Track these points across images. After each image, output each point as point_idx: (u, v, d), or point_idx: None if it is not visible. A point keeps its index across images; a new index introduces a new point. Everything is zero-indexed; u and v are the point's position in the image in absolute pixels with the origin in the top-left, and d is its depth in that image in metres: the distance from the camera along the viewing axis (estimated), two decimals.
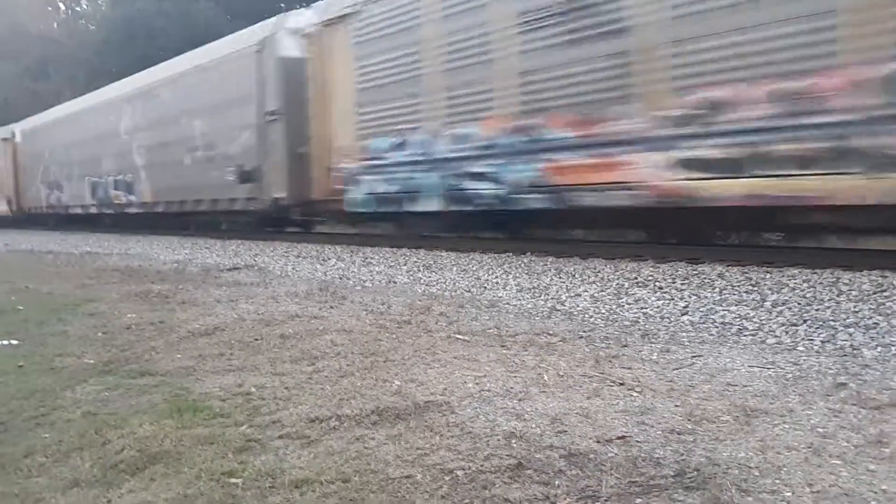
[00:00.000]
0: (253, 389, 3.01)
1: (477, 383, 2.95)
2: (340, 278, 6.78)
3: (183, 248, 11.45)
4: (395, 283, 6.28)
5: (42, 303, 5.82)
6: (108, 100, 17.80)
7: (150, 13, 29.35)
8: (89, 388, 3.19)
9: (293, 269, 7.70)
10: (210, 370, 3.41)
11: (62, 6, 47.75)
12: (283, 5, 32.85)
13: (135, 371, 3.45)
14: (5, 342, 4.24)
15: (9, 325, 4.78)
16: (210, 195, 13.42)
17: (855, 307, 4.04)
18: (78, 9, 46.62)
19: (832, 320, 3.80)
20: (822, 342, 3.43)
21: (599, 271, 6.00)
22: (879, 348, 3.26)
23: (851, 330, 3.59)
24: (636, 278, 5.52)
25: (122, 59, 27.41)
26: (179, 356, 3.72)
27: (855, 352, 3.25)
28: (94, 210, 18.78)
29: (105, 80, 18.84)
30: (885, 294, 4.28)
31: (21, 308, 5.51)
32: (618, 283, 5.36)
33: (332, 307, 5.02)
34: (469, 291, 5.56)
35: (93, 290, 6.54)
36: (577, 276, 5.88)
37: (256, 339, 4.01)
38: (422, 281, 6.26)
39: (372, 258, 8.17)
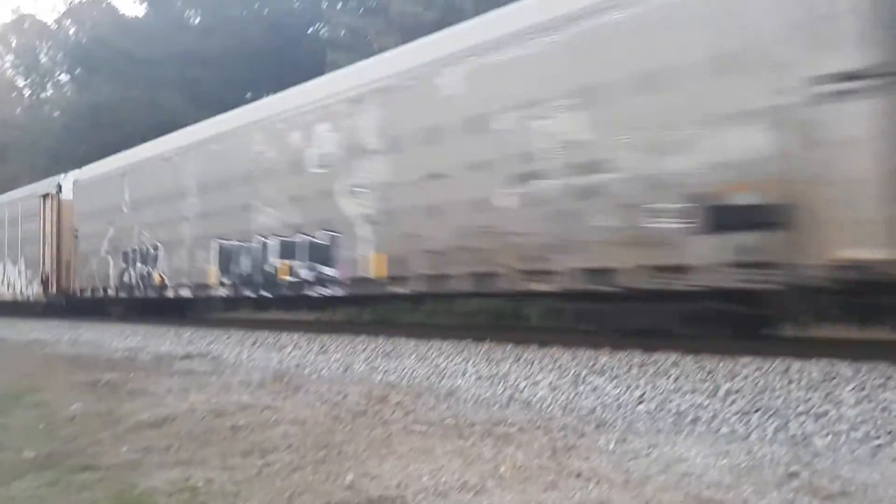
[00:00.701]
0: (200, 484, 2.90)
1: (433, 476, 2.90)
2: (296, 366, 6.67)
3: (136, 336, 11.18)
4: (352, 371, 6.20)
5: None
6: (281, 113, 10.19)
7: (115, 101, 29.63)
8: (25, 484, 3.05)
9: (248, 357, 7.56)
10: (157, 464, 3.29)
11: (27, 92, 47.96)
12: (249, 94, 33.53)
13: (77, 465, 3.31)
14: None
15: None
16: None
17: (806, 395, 4.10)
18: (43, 95, 46.88)
19: (784, 409, 3.84)
20: (775, 431, 3.47)
21: (558, 359, 6.00)
22: (830, 436, 3.30)
23: (803, 418, 3.63)
24: (593, 366, 5.54)
25: (84, 145, 27.46)
26: (125, 449, 3.59)
27: (806, 440, 3.28)
28: (231, 292, 10.87)
29: (67, 166, 18.64)
30: (833, 382, 4.36)
31: None
32: (575, 371, 5.37)
33: (285, 397, 4.92)
34: (427, 380, 5.51)
35: (38, 379, 6.31)
36: (535, 363, 5.88)
37: (206, 431, 3.90)
38: (379, 369, 6.19)
39: (330, 345, 8.07)
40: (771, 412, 3.80)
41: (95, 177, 15.36)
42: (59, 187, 16.55)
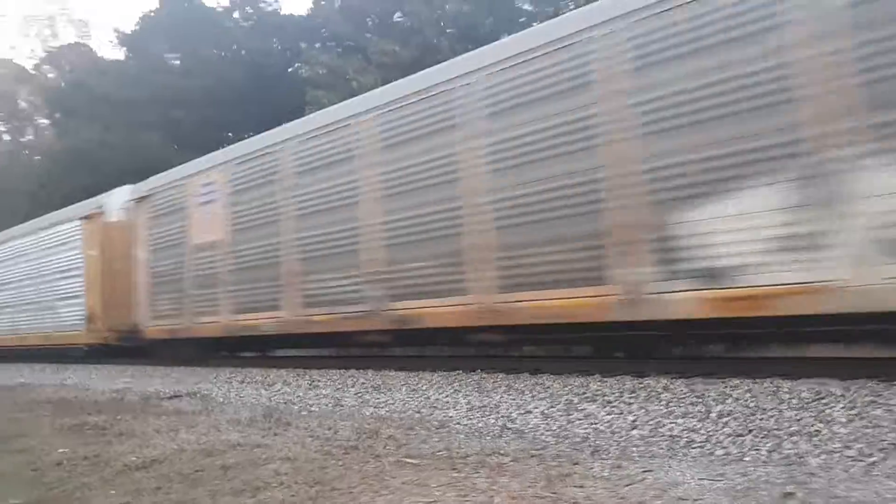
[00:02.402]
0: None
1: None
2: (286, 403, 6.60)
3: (123, 376, 11.03)
4: (342, 406, 6.14)
5: None
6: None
7: (95, 143, 29.62)
8: None
9: (237, 395, 7.48)
10: None
11: (7, 137, 47.87)
12: (230, 135, 33.61)
13: None
14: None
15: None
16: None
17: (797, 415, 4.12)
18: (22, 139, 46.81)
19: (776, 429, 3.86)
20: (769, 451, 3.47)
21: (549, 387, 6.00)
22: (823, 455, 3.31)
23: (796, 438, 3.64)
24: (584, 393, 5.54)
25: (64, 189, 27.33)
26: (114, 492, 3.52)
27: (801, 460, 3.29)
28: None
29: (45, 210, 18.40)
30: (824, 402, 4.39)
31: None
32: (567, 399, 5.36)
33: (276, 434, 4.86)
34: (419, 412, 5.47)
35: (23, 424, 6.19)
36: (526, 392, 5.87)
37: (196, 471, 3.84)
38: (370, 403, 6.14)
39: (319, 381, 8.01)
40: (764, 433, 3.81)
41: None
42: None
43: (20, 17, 48.75)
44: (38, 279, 16.11)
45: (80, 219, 14.58)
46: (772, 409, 4.36)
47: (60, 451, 4.72)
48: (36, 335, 15.98)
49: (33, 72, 46.16)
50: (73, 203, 16.14)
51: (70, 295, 14.69)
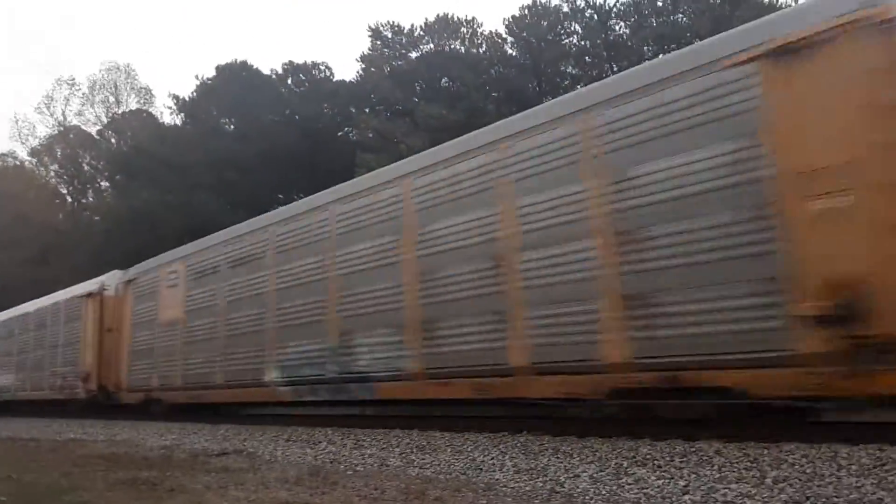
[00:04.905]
0: None
1: None
2: (331, 462, 6.61)
3: (170, 433, 11.19)
4: (387, 465, 6.13)
5: (25, 493, 5.62)
6: None
7: (153, 204, 30.72)
8: None
9: (283, 453, 7.52)
10: None
11: (69, 199, 50.01)
12: (280, 196, 34.56)
13: None
14: None
15: None
16: None
17: (857, 482, 3.98)
18: (84, 200, 48.82)
19: (835, 497, 3.73)
20: None
21: (597, 450, 5.90)
22: None
23: None
24: (634, 457, 5.44)
25: (123, 247, 28.30)
26: None
27: None
28: None
29: (106, 268, 19.12)
30: (885, 468, 4.24)
31: (3, 499, 5.31)
32: (616, 463, 5.27)
33: (323, 493, 4.88)
34: (464, 474, 5.43)
35: (77, 478, 6.33)
36: (574, 455, 5.78)
37: None
38: (415, 463, 6.12)
39: (363, 440, 8.01)
40: (822, 500, 3.69)
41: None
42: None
43: (88, 86, 51.12)
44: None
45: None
46: (830, 475, 4.22)
47: None
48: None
49: (97, 137, 48.39)
50: (133, 262, 17.36)
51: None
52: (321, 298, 9.82)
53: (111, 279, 16.52)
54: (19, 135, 62.99)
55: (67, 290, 18.42)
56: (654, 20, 29.27)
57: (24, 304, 21.14)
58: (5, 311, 22.48)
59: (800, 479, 4.18)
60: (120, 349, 15.30)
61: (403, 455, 6.65)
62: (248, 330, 11.20)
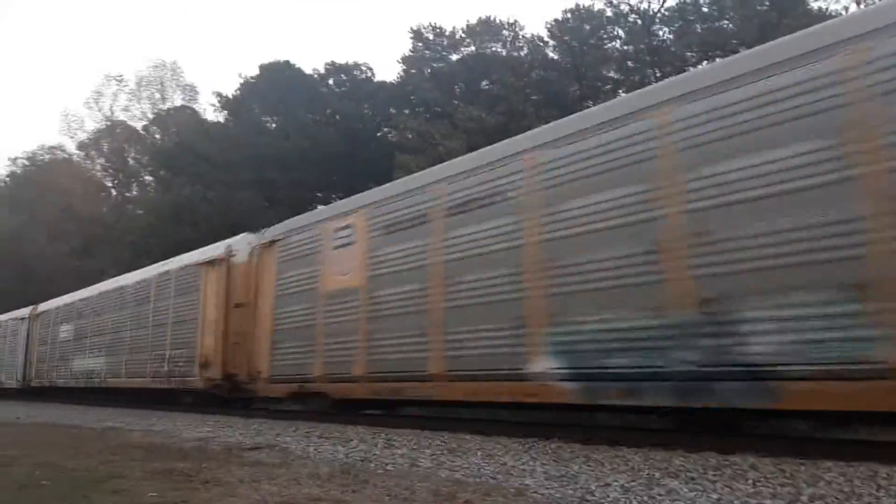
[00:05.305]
0: None
1: None
2: (362, 461, 6.67)
3: (205, 426, 11.39)
4: (418, 466, 6.17)
5: (66, 479, 5.78)
6: None
7: (195, 200, 31.28)
8: None
9: (315, 450, 7.61)
10: None
11: (114, 192, 51.21)
12: (319, 195, 34.89)
13: None
14: None
15: (34, 502, 4.75)
16: None
17: None
18: (128, 194, 49.96)
19: None
20: None
21: (629, 460, 5.86)
22: None
23: None
24: (667, 468, 5.39)
25: (164, 241, 28.87)
26: None
27: None
28: None
29: (146, 261, 19.50)
30: None
31: (45, 483, 5.48)
32: (648, 473, 5.23)
33: (354, 491, 4.93)
34: (494, 478, 5.44)
35: (116, 466, 6.49)
36: (606, 464, 5.75)
37: None
38: (446, 465, 6.14)
39: (395, 440, 8.06)
40: None
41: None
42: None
43: (135, 82, 52.29)
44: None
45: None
46: (868, 494, 4.14)
47: (151, 494, 4.93)
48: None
49: (143, 132, 49.48)
50: (173, 255, 16.60)
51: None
52: (649, 249, 6.63)
53: (240, 243, 13.53)
54: (68, 129, 64.74)
55: (178, 258, 15.75)
56: (698, 26, 28.89)
57: (119, 277, 18.60)
58: (93, 286, 19.63)
59: (837, 499, 4.11)
60: (256, 328, 12.34)
61: (434, 457, 6.68)
62: (492, 298, 8.16)
